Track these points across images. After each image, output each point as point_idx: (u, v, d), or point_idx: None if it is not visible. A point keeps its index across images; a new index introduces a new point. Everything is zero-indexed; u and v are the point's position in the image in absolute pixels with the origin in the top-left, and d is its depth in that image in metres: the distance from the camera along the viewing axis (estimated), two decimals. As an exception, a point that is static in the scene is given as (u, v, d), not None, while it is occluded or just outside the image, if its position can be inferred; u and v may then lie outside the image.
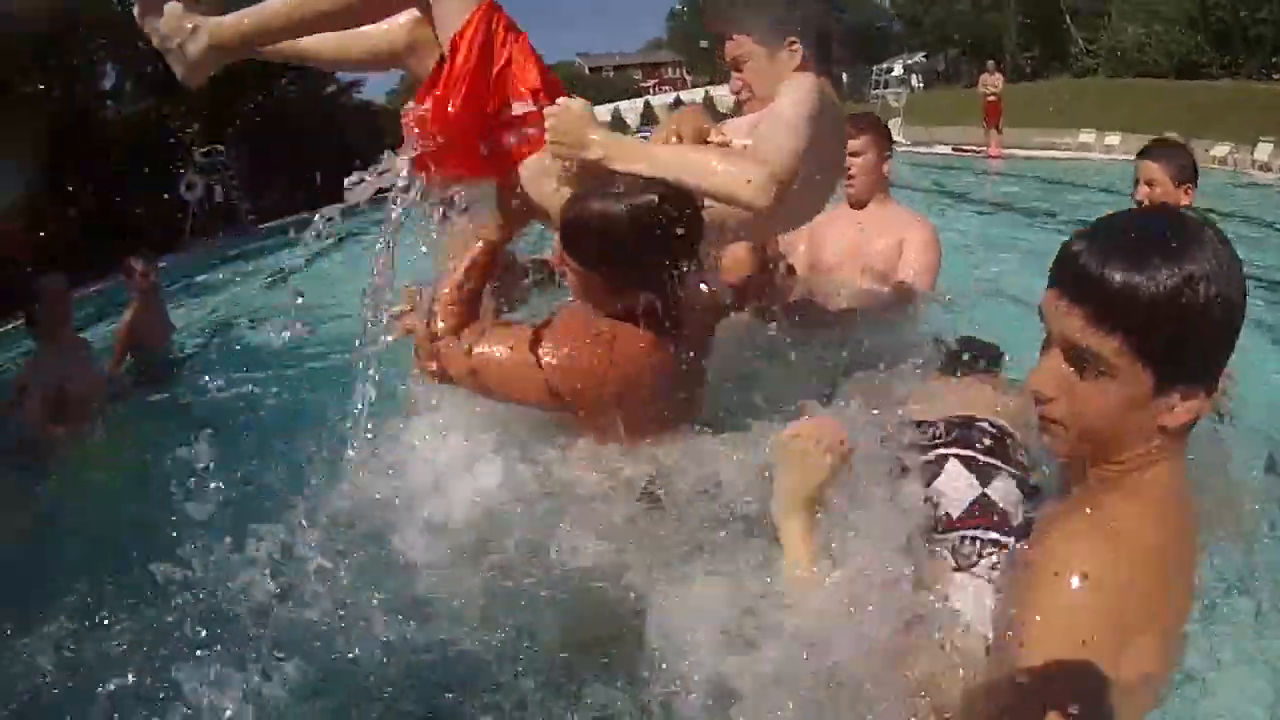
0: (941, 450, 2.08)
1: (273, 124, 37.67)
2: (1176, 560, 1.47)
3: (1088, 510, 1.47)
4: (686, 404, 2.77)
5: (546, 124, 2.51)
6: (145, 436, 5.81)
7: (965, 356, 2.73)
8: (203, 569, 2.83)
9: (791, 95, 2.61)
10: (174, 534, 3.07)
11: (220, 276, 15.84)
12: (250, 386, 6.38)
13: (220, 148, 29.77)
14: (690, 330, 2.70)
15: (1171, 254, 1.32)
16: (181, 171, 27.02)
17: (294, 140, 38.69)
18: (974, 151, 25.36)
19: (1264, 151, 31.98)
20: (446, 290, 2.74)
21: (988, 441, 2.08)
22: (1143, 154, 4.20)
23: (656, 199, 2.38)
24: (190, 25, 2.89)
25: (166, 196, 25.94)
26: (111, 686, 2.58)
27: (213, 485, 2.95)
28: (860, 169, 4.29)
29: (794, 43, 2.80)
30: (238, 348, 8.64)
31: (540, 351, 2.55)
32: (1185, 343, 1.36)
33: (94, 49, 29.41)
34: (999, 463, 2.04)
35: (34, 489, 5.04)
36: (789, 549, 1.89)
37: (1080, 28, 72.76)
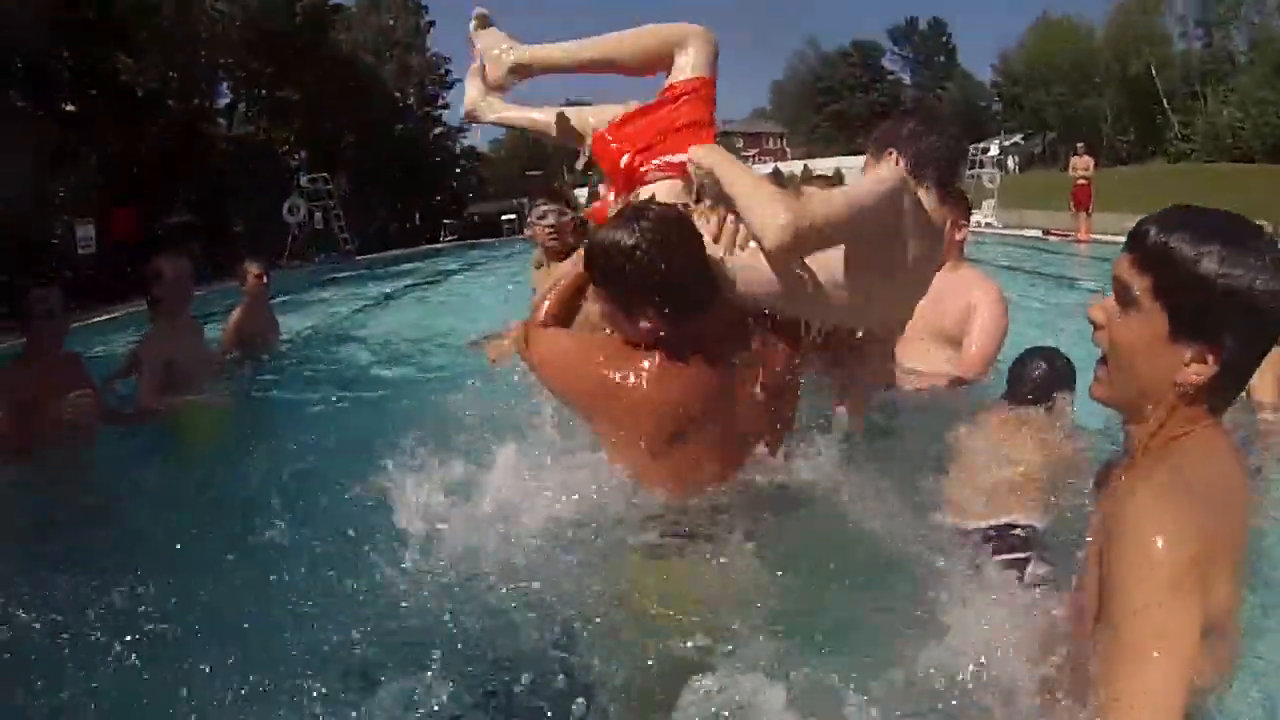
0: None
1: (379, 158, 39.15)
2: (1229, 503, 1.65)
3: (1154, 478, 1.63)
4: (732, 443, 2.80)
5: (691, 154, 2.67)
6: (243, 420, 5.89)
7: (1029, 395, 3.28)
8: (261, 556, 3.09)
9: (868, 176, 2.77)
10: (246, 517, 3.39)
11: (315, 295, 16.25)
12: (335, 395, 6.78)
13: (326, 176, 30.77)
14: (715, 370, 2.73)
15: (1220, 235, 1.57)
16: (286, 194, 27.92)
17: (398, 176, 40.14)
18: (1063, 235, 24.42)
19: None
20: (554, 293, 3.05)
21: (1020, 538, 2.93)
22: None
23: (652, 231, 2.56)
24: (506, 45, 3.91)
25: (269, 215, 26.99)
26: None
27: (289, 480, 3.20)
28: None
29: (891, 153, 2.91)
30: (324, 363, 8.91)
31: (594, 357, 2.76)
32: (1206, 308, 1.57)
33: (212, 66, 30.06)
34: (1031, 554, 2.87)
35: (146, 456, 5.27)
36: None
37: (1176, 112, 73.31)
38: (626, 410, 2.66)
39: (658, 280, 2.57)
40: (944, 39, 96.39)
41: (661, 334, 2.66)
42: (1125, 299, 1.67)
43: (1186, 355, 1.61)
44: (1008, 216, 31.17)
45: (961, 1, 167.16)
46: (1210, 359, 1.59)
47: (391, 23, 47.67)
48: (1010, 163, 71.17)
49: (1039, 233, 25.46)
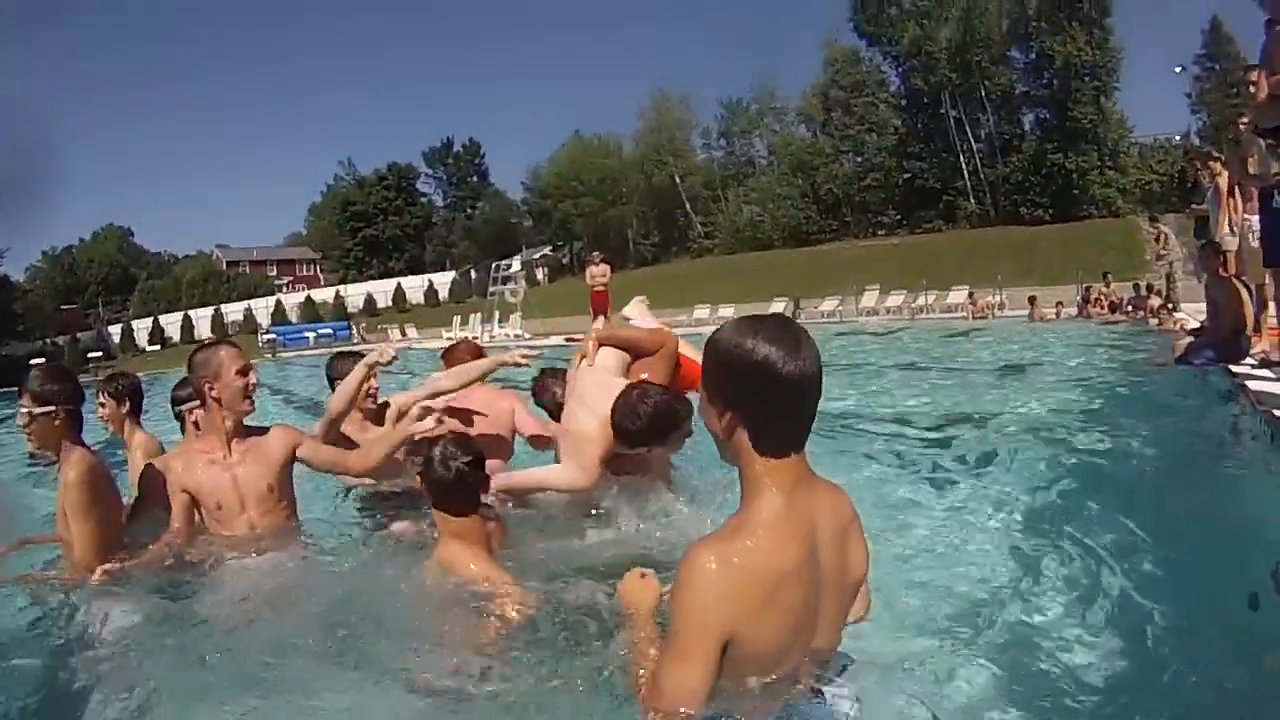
0: None
1: None
2: (783, 563, 1.98)
3: (730, 520, 2.05)
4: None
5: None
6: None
7: None
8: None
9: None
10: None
11: None
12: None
13: None
14: None
15: (755, 330, 1.99)
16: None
17: None
18: (583, 339, 24.04)
19: (870, 299, 34.68)
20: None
21: None
22: None
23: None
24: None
25: None
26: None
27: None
28: None
29: None
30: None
31: None
32: (719, 375, 2.04)
33: None
34: None
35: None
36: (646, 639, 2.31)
37: (698, 213, 78.97)
38: None
39: None
40: (477, 160, 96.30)
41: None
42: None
43: (728, 415, 2.04)
44: (535, 326, 31.62)
45: (496, 122, 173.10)
46: (731, 417, 2.04)
47: None
48: (540, 274, 74.23)
49: (561, 339, 25.20)
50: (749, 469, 2.02)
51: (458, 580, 3.28)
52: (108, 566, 3.73)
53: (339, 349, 5.31)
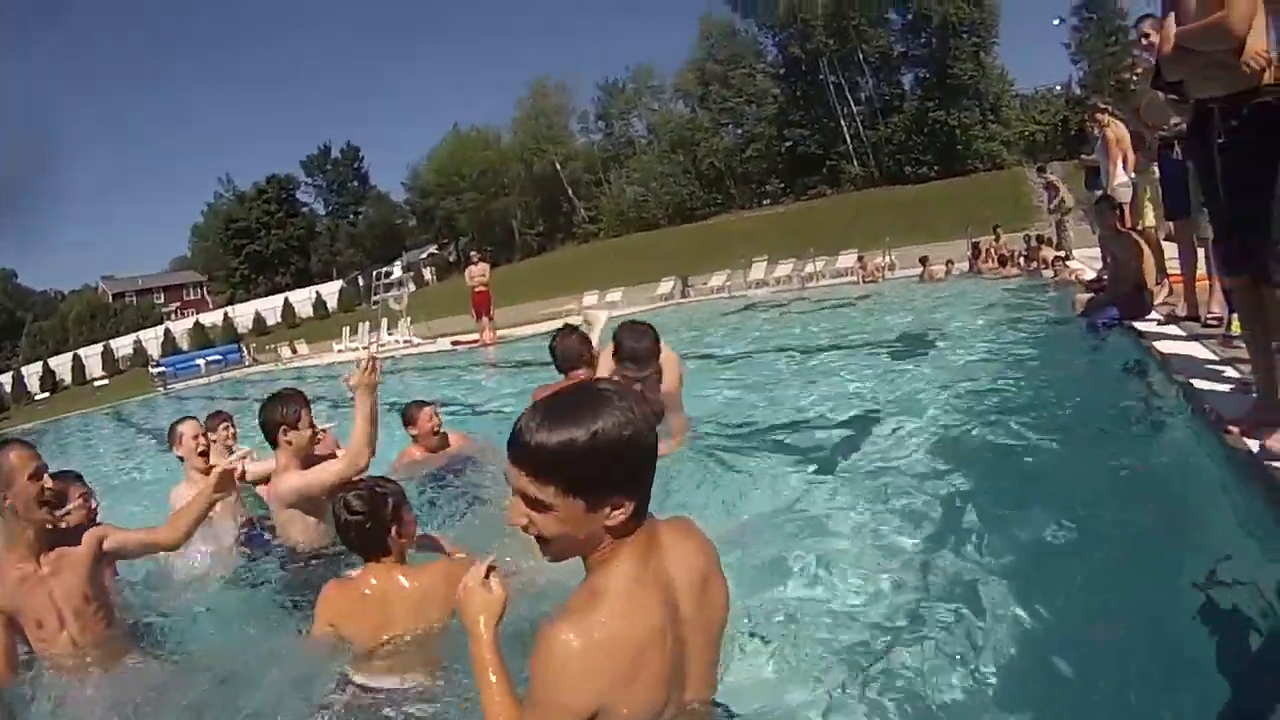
0: None
1: None
2: (645, 630, 1.92)
3: (582, 592, 1.97)
4: None
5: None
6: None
7: None
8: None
9: None
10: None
11: None
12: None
13: None
14: None
15: (578, 417, 1.86)
16: None
17: None
18: (470, 343, 24.10)
19: (759, 270, 34.21)
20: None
21: None
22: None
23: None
24: None
25: None
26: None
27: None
28: None
29: None
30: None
31: None
32: (603, 474, 1.88)
33: None
34: None
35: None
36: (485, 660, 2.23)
37: (581, 198, 78.66)
38: None
39: None
40: (356, 164, 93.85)
41: None
42: (540, 506, 1.90)
43: (608, 510, 1.90)
44: (423, 330, 31.29)
45: (375, 123, 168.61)
46: (626, 503, 1.91)
47: None
48: (428, 273, 73.49)
49: (448, 343, 24.79)
50: (601, 548, 1.96)
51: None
52: None
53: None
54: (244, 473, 5.36)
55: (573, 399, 1.91)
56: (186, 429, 5.47)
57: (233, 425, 6.31)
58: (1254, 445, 3.62)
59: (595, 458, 1.85)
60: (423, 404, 6.68)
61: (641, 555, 1.97)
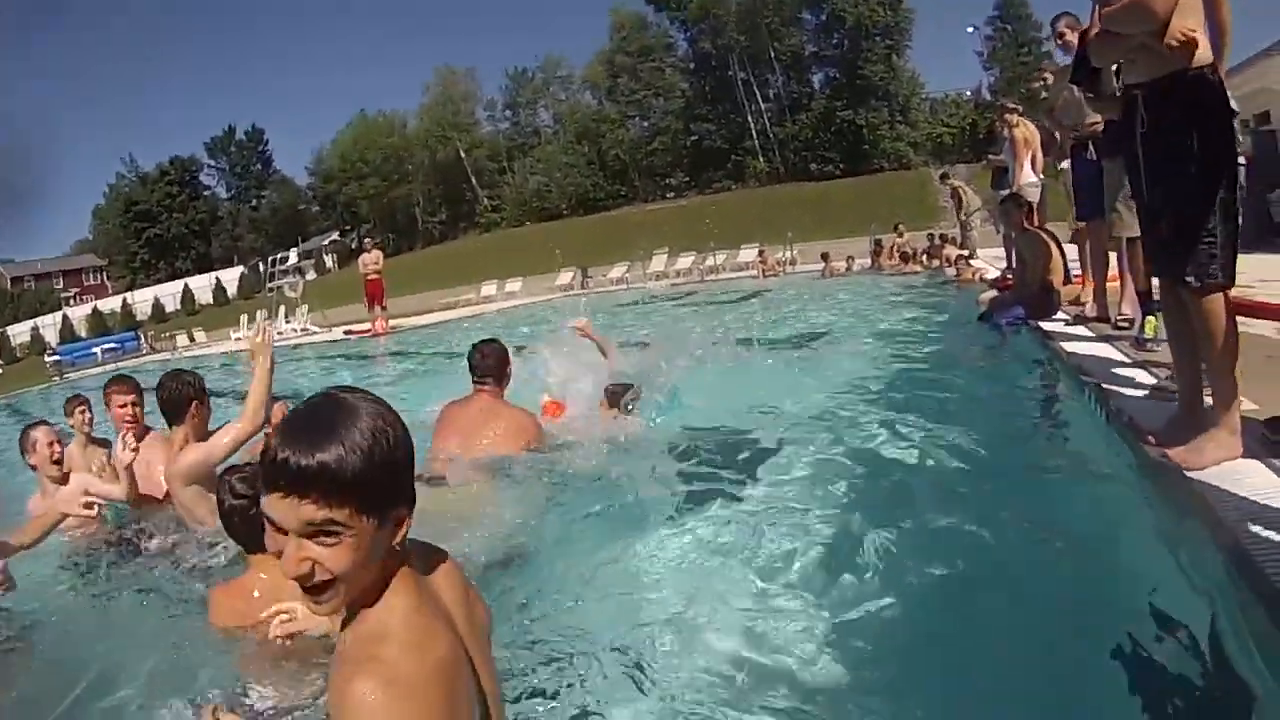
0: None
1: None
2: (445, 652, 1.71)
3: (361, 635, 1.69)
4: None
5: None
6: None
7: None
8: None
9: None
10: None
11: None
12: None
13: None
14: None
15: (348, 424, 1.63)
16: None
17: None
18: (362, 332, 24.08)
19: (659, 263, 34.31)
20: None
21: None
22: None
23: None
24: None
25: None
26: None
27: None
28: None
29: None
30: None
31: None
32: (388, 484, 1.67)
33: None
34: None
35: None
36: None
37: (485, 187, 78.02)
38: None
39: None
40: (261, 147, 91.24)
41: None
42: (331, 534, 1.62)
43: (393, 527, 1.70)
44: (319, 319, 30.68)
45: (280, 105, 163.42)
46: (407, 516, 1.73)
47: None
48: (329, 260, 72.10)
49: (342, 333, 24.26)
50: (378, 575, 1.71)
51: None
52: None
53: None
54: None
55: (327, 409, 1.69)
56: (40, 435, 5.14)
57: (89, 410, 5.88)
58: (1174, 456, 3.43)
59: (383, 465, 1.66)
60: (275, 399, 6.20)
61: (413, 579, 1.80)
